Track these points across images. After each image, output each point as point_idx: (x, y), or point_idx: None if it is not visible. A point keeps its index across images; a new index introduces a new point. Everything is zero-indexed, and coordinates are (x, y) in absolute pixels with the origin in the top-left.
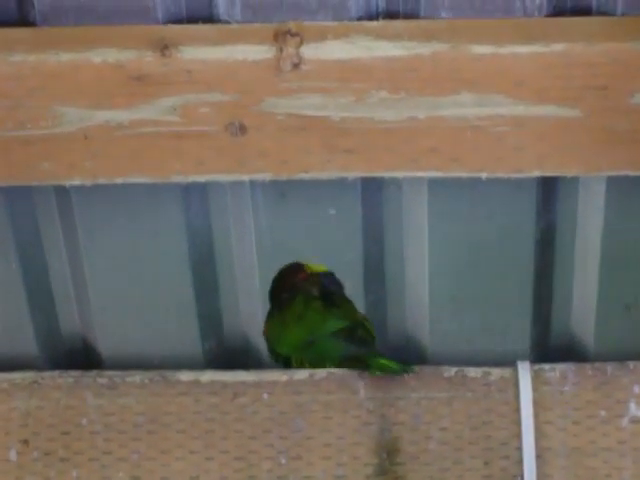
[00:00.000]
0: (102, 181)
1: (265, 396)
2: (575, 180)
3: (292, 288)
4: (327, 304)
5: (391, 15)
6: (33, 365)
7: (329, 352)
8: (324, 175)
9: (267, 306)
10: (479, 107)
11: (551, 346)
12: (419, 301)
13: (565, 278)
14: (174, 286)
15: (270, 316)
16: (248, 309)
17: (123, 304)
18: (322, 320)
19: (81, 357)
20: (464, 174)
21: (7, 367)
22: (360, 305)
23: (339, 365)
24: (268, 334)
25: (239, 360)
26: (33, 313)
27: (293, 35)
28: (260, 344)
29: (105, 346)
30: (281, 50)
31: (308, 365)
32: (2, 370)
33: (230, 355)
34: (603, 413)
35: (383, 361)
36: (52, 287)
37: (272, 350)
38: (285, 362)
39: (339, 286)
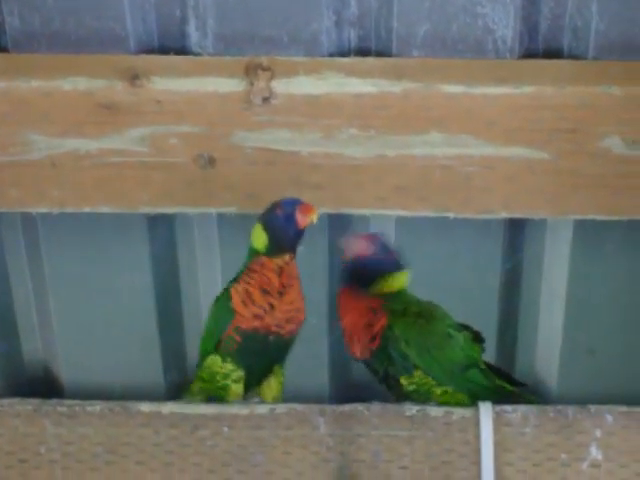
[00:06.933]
0: (69, 209)
1: (225, 430)
2: (542, 223)
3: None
4: (475, 337)
5: (363, 52)
6: None
7: (484, 382)
8: None
9: None
10: (448, 147)
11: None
12: None
13: (530, 320)
14: (138, 317)
15: (396, 313)
16: None
17: (87, 334)
18: (475, 351)
19: (43, 386)
20: (431, 214)
21: None
22: (325, 341)
23: (488, 396)
24: (395, 332)
25: None
26: None
27: (264, 69)
28: None
29: (67, 375)
30: (252, 84)
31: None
32: None
33: None
34: (564, 456)
35: (532, 398)
36: (16, 315)
37: (398, 353)
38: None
39: None
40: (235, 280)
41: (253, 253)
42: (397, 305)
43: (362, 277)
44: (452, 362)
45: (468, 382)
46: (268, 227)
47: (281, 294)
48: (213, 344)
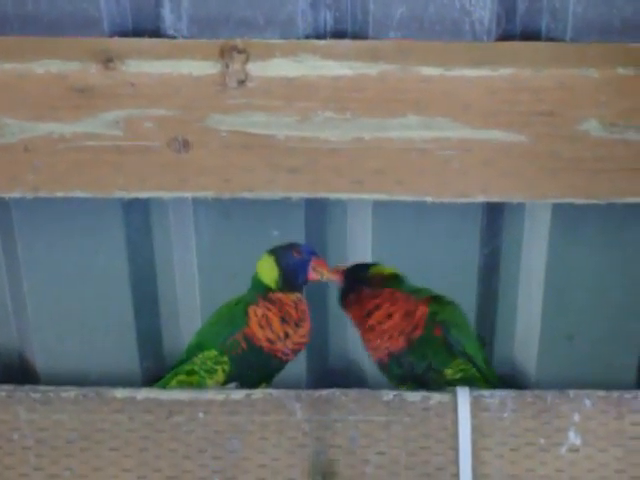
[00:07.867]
0: (43, 194)
1: (201, 415)
2: (521, 207)
3: None
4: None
5: (339, 34)
6: None
7: (496, 379)
8: (268, 195)
9: None
10: (425, 130)
11: None
12: None
13: (509, 306)
14: (114, 303)
15: (434, 300)
16: (189, 328)
17: (61, 320)
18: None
19: (17, 372)
20: (409, 197)
21: None
22: None
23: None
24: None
25: None
26: None
27: (240, 52)
28: None
29: (42, 362)
30: (227, 66)
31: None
32: None
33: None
34: (542, 441)
35: None
36: None
37: (453, 338)
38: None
39: None
40: (250, 302)
41: (260, 283)
42: (422, 292)
43: (356, 279)
44: (481, 351)
45: (492, 375)
46: (281, 264)
47: (297, 326)
48: (216, 343)
